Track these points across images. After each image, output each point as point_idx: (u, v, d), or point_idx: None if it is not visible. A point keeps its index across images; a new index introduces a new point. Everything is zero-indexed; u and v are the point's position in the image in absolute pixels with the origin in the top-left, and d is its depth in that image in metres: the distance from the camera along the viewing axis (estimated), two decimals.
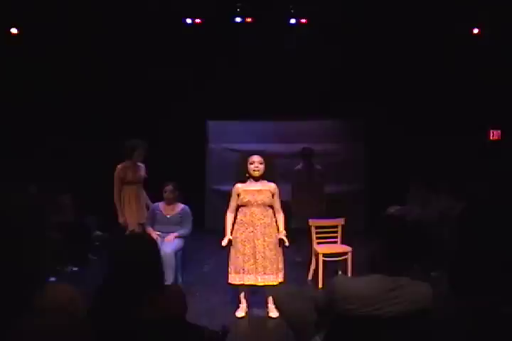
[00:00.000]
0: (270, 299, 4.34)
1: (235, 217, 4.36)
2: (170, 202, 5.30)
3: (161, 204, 5.33)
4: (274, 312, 4.29)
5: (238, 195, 4.31)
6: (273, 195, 4.31)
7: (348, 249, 5.29)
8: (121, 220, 5.22)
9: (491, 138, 7.98)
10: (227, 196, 4.55)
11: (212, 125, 8.72)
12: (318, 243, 5.45)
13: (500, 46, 7.15)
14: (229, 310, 4.48)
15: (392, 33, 7.34)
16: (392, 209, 6.41)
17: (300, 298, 2.75)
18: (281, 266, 4.33)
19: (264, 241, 4.23)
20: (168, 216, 5.29)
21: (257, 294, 4.53)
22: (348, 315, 2.12)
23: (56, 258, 5.51)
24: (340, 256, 5.29)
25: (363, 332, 2.13)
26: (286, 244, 4.28)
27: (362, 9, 7.00)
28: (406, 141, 7.76)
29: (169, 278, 4.69)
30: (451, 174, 6.62)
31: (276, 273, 4.26)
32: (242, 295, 4.43)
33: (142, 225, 5.27)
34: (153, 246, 2.22)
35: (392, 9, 6.91)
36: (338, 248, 5.39)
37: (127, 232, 5.11)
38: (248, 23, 7.39)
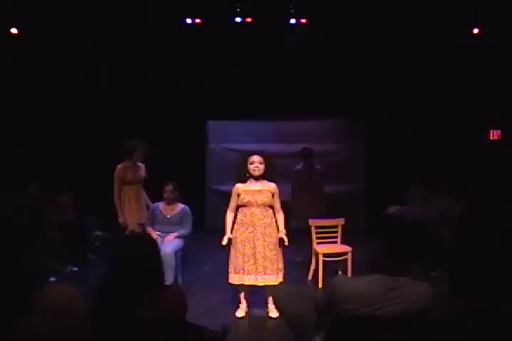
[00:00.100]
0: (270, 299, 4.34)
1: (235, 217, 4.36)
2: (170, 202, 5.30)
3: (161, 204, 5.33)
4: (274, 312, 4.29)
5: (238, 195, 4.31)
6: (273, 195, 4.31)
7: (348, 248, 5.29)
8: (121, 220, 5.22)
9: (491, 138, 7.98)
10: (227, 196, 4.55)
11: (212, 125, 8.72)
12: (318, 243, 5.45)
13: (500, 46, 7.15)
14: (229, 310, 4.48)
15: (392, 33, 7.34)
16: (392, 209, 6.41)
17: (300, 298, 2.75)
18: (281, 265, 4.33)
19: (265, 241, 4.23)
20: (168, 216, 5.29)
21: (257, 294, 4.53)
22: (348, 315, 2.12)
23: (56, 258, 5.51)
24: (340, 256, 5.29)
25: (363, 332, 2.13)
26: (286, 243, 4.29)
27: (362, 9, 7.00)
28: (406, 141, 7.76)
29: (169, 278, 4.69)
30: (451, 174, 6.62)
31: (277, 273, 4.26)
32: (242, 295, 4.43)
33: (142, 225, 5.27)
34: (153, 246, 2.22)
35: (392, 9, 6.91)
36: (338, 248, 5.39)
37: (127, 232, 5.11)
38: (248, 23, 7.39)
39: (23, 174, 6.29)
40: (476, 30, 7.37)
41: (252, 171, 4.24)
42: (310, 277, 5.48)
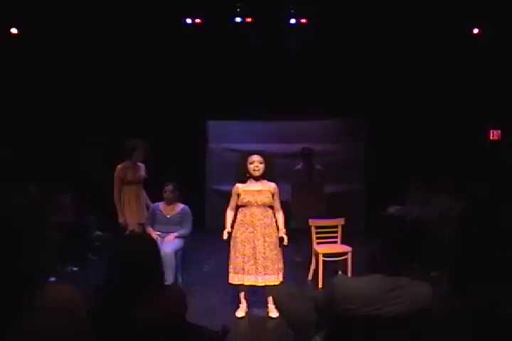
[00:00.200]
0: (270, 299, 4.34)
1: (236, 217, 4.36)
2: (170, 202, 5.29)
3: (161, 204, 5.33)
4: (274, 312, 4.29)
5: (238, 195, 4.31)
6: (273, 195, 4.31)
7: (348, 248, 5.29)
8: (121, 220, 5.22)
9: (491, 138, 7.98)
10: (227, 196, 4.55)
11: (212, 125, 8.72)
12: (318, 243, 5.45)
13: (500, 46, 7.15)
14: (229, 310, 4.48)
15: (392, 33, 7.35)
16: (392, 209, 6.41)
17: (300, 298, 2.75)
18: (281, 265, 4.33)
19: (265, 241, 4.23)
20: (168, 216, 5.28)
21: (256, 294, 4.53)
22: (348, 315, 2.12)
23: (56, 258, 5.51)
24: (340, 256, 5.29)
25: (363, 332, 2.13)
26: (285, 243, 4.29)
27: (362, 9, 7.00)
28: (406, 141, 7.76)
29: (169, 278, 4.69)
30: (451, 174, 6.62)
31: (277, 273, 4.26)
32: (242, 295, 4.43)
33: (142, 225, 5.27)
34: (153, 246, 2.22)
35: (393, 9, 6.91)
36: (338, 248, 5.39)
37: (127, 232, 5.11)
38: (248, 23, 7.40)
39: (23, 174, 6.29)
40: (476, 30, 7.38)
41: (252, 171, 4.24)
42: (310, 277, 5.48)
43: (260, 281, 4.22)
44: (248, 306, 4.48)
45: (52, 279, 4.80)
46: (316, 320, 2.46)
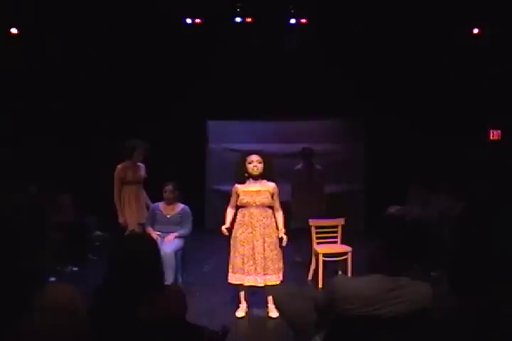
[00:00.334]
0: (270, 299, 4.34)
1: (235, 217, 4.36)
2: (170, 202, 5.29)
3: (161, 204, 5.32)
4: (274, 312, 4.29)
5: (238, 196, 4.31)
6: (272, 195, 4.31)
7: (348, 249, 5.29)
8: (121, 220, 5.22)
9: (491, 138, 7.98)
10: (227, 196, 4.56)
11: (212, 125, 8.72)
12: (318, 243, 5.45)
13: (500, 46, 7.15)
14: (229, 310, 4.48)
15: (393, 33, 7.35)
16: (392, 209, 6.41)
17: (300, 298, 2.75)
18: (281, 265, 4.33)
19: (265, 241, 4.23)
20: (168, 216, 5.28)
21: (256, 294, 4.53)
22: (348, 315, 2.12)
23: (56, 258, 5.51)
24: (341, 256, 5.29)
25: (363, 332, 2.13)
26: (284, 243, 4.28)
27: (362, 9, 7.00)
28: (406, 141, 7.76)
29: (169, 278, 4.69)
30: (451, 174, 6.62)
31: (278, 273, 4.26)
32: (242, 295, 4.43)
33: (142, 225, 5.27)
34: (153, 246, 2.22)
35: (393, 9, 6.91)
36: (338, 248, 5.39)
37: (127, 232, 5.11)
38: (248, 23, 7.39)
39: (23, 174, 6.28)
40: (476, 30, 7.38)
41: (250, 170, 4.24)
42: (310, 277, 5.48)
43: (259, 281, 4.21)
44: (248, 306, 4.48)
45: (52, 279, 4.80)
46: (316, 320, 2.46)
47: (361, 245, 4.34)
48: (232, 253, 4.33)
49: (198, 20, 7.48)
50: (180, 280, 5.17)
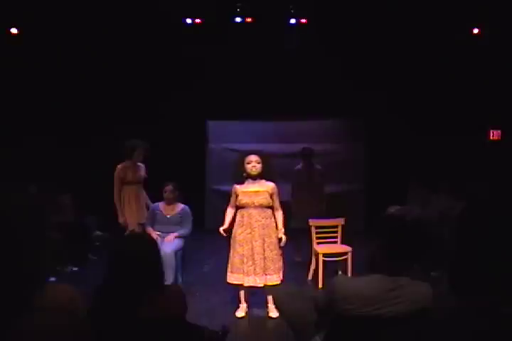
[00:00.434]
0: (270, 299, 4.35)
1: (235, 217, 4.36)
2: (170, 202, 5.29)
3: (161, 204, 5.32)
4: (274, 312, 4.29)
5: (237, 196, 4.31)
6: (271, 195, 4.29)
7: (348, 249, 5.29)
8: (121, 220, 5.22)
9: (491, 138, 7.98)
10: (227, 196, 4.56)
11: (212, 125, 8.72)
12: (318, 243, 5.45)
13: (500, 46, 7.15)
14: (229, 310, 4.48)
15: (393, 33, 7.34)
16: (392, 209, 6.40)
17: (300, 298, 2.76)
18: (281, 264, 4.33)
19: (264, 242, 4.22)
20: (168, 216, 5.28)
21: (256, 294, 4.52)
22: (348, 315, 2.12)
23: (56, 258, 5.51)
24: (341, 256, 5.29)
25: (363, 332, 2.13)
26: (282, 243, 4.27)
27: (362, 9, 7.00)
28: (406, 141, 7.76)
29: (169, 278, 4.69)
30: (451, 174, 6.62)
31: (278, 273, 4.26)
32: (242, 295, 4.43)
33: (142, 225, 5.27)
34: (153, 246, 2.22)
35: (393, 9, 6.90)
36: (338, 248, 5.39)
37: (127, 232, 5.11)
38: (248, 23, 7.39)
39: (23, 174, 6.28)
40: (476, 30, 7.38)
41: (249, 171, 4.23)
42: (310, 277, 5.48)
43: (258, 282, 4.21)
44: (248, 306, 4.48)
45: (52, 279, 4.80)
46: (316, 320, 2.46)
47: (361, 245, 4.34)
48: (231, 253, 4.33)
49: (198, 20, 7.47)
50: (180, 280, 5.17)
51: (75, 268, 5.90)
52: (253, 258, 4.21)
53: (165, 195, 5.27)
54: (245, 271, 4.22)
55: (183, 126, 8.04)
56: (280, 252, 4.33)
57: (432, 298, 2.18)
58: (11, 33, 7.32)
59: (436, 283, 2.69)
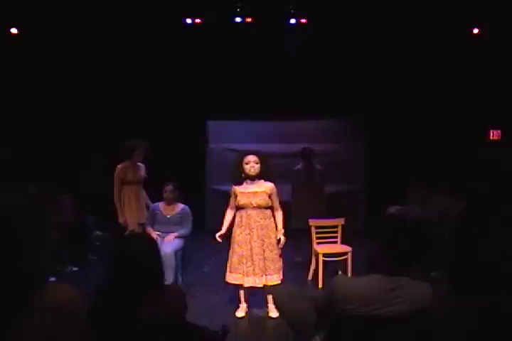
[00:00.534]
0: (270, 299, 4.35)
1: (234, 217, 4.36)
2: (170, 202, 5.30)
3: (161, 204, 5.33)
4: (274, 312, 4.29)
5: (236, 197, 4.31)
6: (270, 196, 4.28)
7: (348, 249, 5.29)
8: (121, 220, 5.22)
9: (491, 138, 7.98)
10: (227, 196, 4.56)
11: (212, 125, 8.72)
12: (318, 243, 5.45)
13: (500, 46, 7.15)
14: (229, 310, 4.48)
15: (393, 33, 7.34)
16: (392, 209, 6.40)
17: (300, 298, 2.76)
18: (281, 264, 4.33)
19: (263, 242, 4.22)
20: (168, 216, 5.28)
21: (256, 294, 4.52)
22: (348, 315, 2.12)
23: (56, 258, 5.51)
24: (341, 256, 5.29)
25: (362, 332, 2.13)
26: (281, 244, 4.26)
27: (362, 9, 7.00)
28: (406, 141, 7.76)
29: (169, 278, 4.69)
30: (451, 174, 6.62)
31: (278, 272, 4.26)
32: (242, 295, 4.43)
33: (142, 225, 5.27)
34: (153, 246, 2.22)
35: (393, 9, 6.91)
36: (338, 248, 5.39)
37: (127, 232, 5.12)
38: (248, 23, 7.39)
39: (23, 174, 6.28)
40: (476, 30, 7.38)
41: (247, 171, 4.22)
42: (310, 277, 5.48)
43: (258, 282, 4.21)
44: (248, 306, 4.48)
45: (52, 279, 4.80)
46: (316, 320, 2.46)
47: (361, 245, 4.35)
48: (230, 253, 4.34)
49: (198, 20, 7.47)
50: (180, 280, 5.17)
51: (75, 268, 5.90)
52: (252, 259, 4.21)
53: (165, 195, 5.27)
54: (244, 272, 4.22)
55: (183, 126, 8.04)
56: (279, 252, 4.33)
57: (431, 298, 2.18)
58: (11, 33, 7.32)
59: (436, 283, 2.70)
